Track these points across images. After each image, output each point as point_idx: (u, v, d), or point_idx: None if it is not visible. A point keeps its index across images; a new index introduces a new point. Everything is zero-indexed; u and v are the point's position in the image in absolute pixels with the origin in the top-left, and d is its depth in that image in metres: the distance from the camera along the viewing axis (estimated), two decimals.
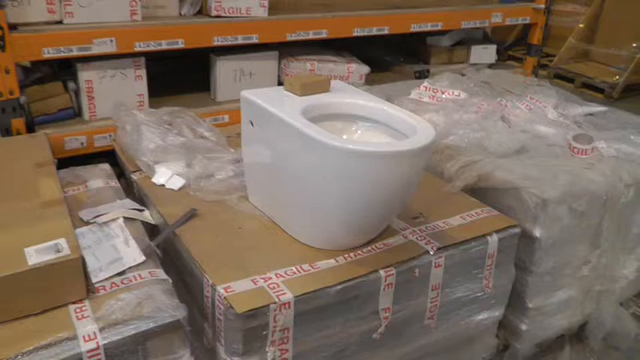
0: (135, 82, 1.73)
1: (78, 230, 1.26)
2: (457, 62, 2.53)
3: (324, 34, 1.93)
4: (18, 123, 1.52)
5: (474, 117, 1.65)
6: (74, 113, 1.68)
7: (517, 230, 1.32)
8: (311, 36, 1.91)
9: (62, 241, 1.07)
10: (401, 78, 2.33)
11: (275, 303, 1.04)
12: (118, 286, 1.09)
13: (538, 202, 1.34)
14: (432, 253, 1.20)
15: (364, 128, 1.26)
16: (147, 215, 1.36)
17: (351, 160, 1.03)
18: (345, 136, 1.26)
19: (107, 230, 1.26)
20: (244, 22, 1.82)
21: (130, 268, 1.14)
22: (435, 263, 1.21)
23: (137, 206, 1.38)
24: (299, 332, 1.08)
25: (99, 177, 1.48)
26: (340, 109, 1.26)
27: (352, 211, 1.12)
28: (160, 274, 1.14)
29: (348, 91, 1.32)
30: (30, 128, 1.59)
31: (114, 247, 1.21)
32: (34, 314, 1.01)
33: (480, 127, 1.58)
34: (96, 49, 1.60)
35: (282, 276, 1.10)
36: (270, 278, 1.10)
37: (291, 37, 1.88)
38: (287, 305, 1.05)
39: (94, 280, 1.10)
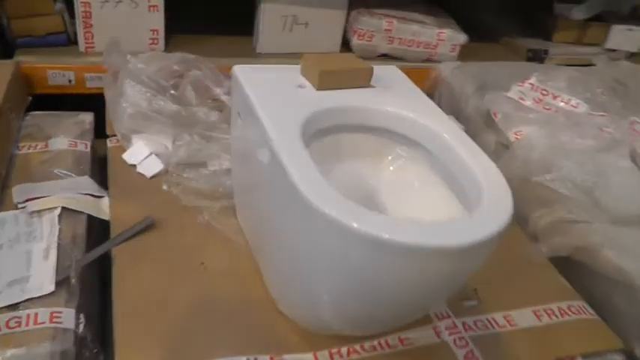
0: (148, 12, 1.33)
1: (1, 215, 0.94)
2: (588, 44, 1.92)
3: None
4: None
5: (590, 145, 1.13)
6: (68, 40, 1.32)
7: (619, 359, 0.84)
8: None
9: None
10: (508, 55, 1.77)
11: None
12: None
13: None
14: None
15: (404, 160, 0.81)
16: (102, 207, 1.00)
17: (354, 244, 0.59)
18: (369, 169, 0.82)
19: (35, 224, 0.93)
20: None
21: (30, 299, 0.80)
22: None
23: (95, 190, 1.02)
24: None
25: (68, 134, 1.14)
26: (375, 120, 0.81)
27: (353, 304, 0.69)
28: (66, 318, 0.79)
29: (400, 91, 0.85)
30: (9, 50, 1.25)
31: (28, 256, 0.87)
32: None
33: (595, 165, 1.06)
34: None
35: None
36: None
37: None
38: None
39: None
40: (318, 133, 0.78)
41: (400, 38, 1.50)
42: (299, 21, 1.49)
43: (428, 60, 1.55)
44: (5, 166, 1.01)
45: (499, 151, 1.21)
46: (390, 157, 0.83)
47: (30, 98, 1.22)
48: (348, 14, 1.51)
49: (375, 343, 0.79)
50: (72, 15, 1.27)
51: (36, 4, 1.23)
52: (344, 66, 0.82)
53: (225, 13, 1.61)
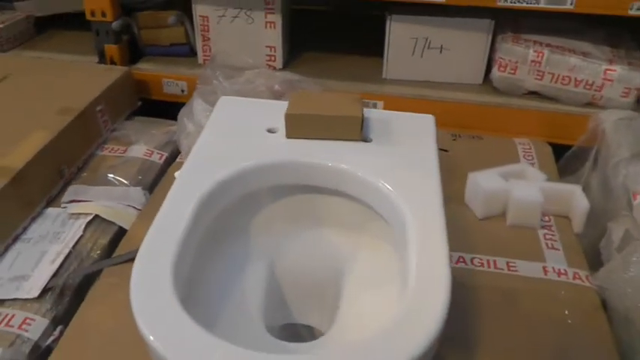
0: (264, 29, 1.29)
1: (48, 210, 1.00)
2: None
3: (569, 5, 1.10)
4: (111, 50, 1.30)
5: None
6: (191, 51, 1.36)
7: None
8: (542, 4, 1.10)
9: None
10: None
11: None
12: None
13: None
14: None
15: (381, 241, 0.62)
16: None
17: None
18: (345, 244, 0.64)
19: (68, 226, 0.97)
20: None
21: (14, 299, 0.83)
22: None
23: (141, 203, 1.03)
24: None
25: (150, 142, 1.18)
26: (349, 187, 0.62)
27: None
28: (35, 328, 0.80)
29: (401, 152, 0.64)
30: (136, 56, 1.35)
31: (41, 256, 0.91)
32: None
33: None
34: None
35: None
36: None
37: (505, 2, 1.12)
38: None
39: None
40: (286, 189, 0.64)
41: (552, 73, 1.18)
42: (432, 45, 1.29)
43: (591, 104, 1.20)
44: (77, 164, 1.08)
45: (626, 242, 0.86)
46: (370, 234, 0.64)
47: (139, 103, 1.29)
48: (494, 39, 1.26)
49: None
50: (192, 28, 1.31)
51: (162, 16, 1.30)
52: (326, 111, 0.65)
53: (363, 32, 1.49)
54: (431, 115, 0.72)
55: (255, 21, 1.29)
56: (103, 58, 1.31)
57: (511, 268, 0.90)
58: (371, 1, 1.29)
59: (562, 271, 0.90)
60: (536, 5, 1.11)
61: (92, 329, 0.77)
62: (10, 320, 0.80)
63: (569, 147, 1.21)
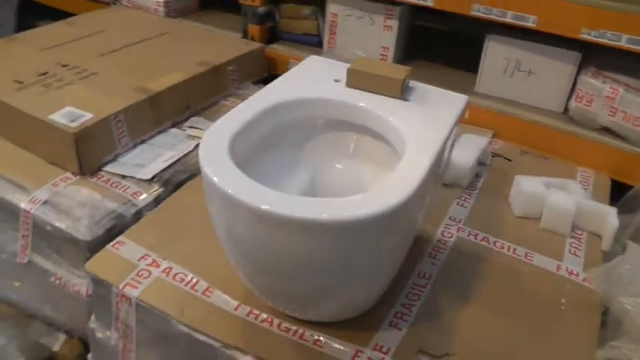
0: (382, 31, 1.50)
1: (172, 130, 1.29)
2: None
3: None
4: (253, 30, 1.59)
5: None
6: (319, 42, 1.61)
7: None
8: (623, 43, 1.19)
9: (87, 116, 1.12)
10: None
11: (118, 288, 0.85)
12: (105, 184, 1.10)
13: None
14: None
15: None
16: None
17: (221, 198, 0.67)
18: (371, 175, 0.83)
19: (182, 142, 1.25)
20: None
21: (132, 177, 1.12)
22: None
23: None
24: (142, 343, 0.87)
25: None
26: (382, 129, 0.81)
27: (243, 265, 0.76)
28: (142, 200, 1.08)
29: (428, 111, 0.82)
30: (273, 39, 1.63)
31: (158, 155, 1.19)
32: (43, 159, 1.14)
33: None
34: None
35: (168, 273, 0.88)
36: (158, 266, 0.89)
37: (588, 35, 1.22)
38: (128, 300, 0.85)
39: (105, 168, 1.14)
40: (335, 123, 0.85)
41: (625, 112, 1.26)
42: (522, 67, 1.42)
43: None
44: (202, 104, 1.37)
45: None
46: (389, 169, 0.82)
47: (266, 74, 1.56)
48: (579, 72, 1.36)
49: (293, 328, 0.81)
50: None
51: (300, 9, 1.57)
52: (378, 71, 0.84)
53: (467, 51, 1.65)
54: (464, 96, 0.88)
55: (376, 23, 1.51)
56: (245, 35, 1.61)
57: (528, 257, 1.01)
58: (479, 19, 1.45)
59: (574, 272, 0.98)
60: (617, 43, 1.21)
61: (178, 207, 1.03)
62: (126, 189, 1.09)
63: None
